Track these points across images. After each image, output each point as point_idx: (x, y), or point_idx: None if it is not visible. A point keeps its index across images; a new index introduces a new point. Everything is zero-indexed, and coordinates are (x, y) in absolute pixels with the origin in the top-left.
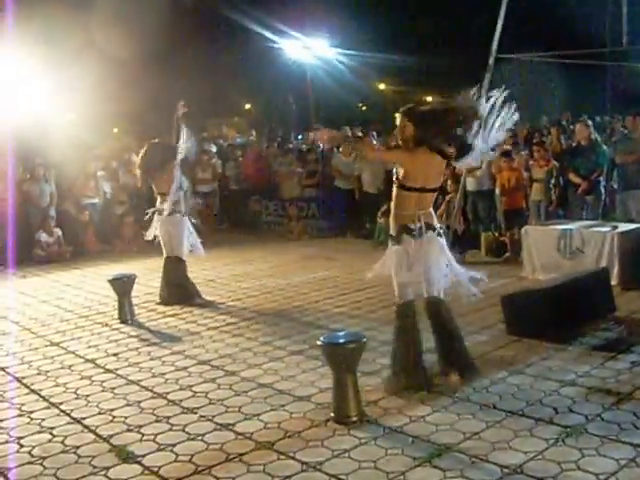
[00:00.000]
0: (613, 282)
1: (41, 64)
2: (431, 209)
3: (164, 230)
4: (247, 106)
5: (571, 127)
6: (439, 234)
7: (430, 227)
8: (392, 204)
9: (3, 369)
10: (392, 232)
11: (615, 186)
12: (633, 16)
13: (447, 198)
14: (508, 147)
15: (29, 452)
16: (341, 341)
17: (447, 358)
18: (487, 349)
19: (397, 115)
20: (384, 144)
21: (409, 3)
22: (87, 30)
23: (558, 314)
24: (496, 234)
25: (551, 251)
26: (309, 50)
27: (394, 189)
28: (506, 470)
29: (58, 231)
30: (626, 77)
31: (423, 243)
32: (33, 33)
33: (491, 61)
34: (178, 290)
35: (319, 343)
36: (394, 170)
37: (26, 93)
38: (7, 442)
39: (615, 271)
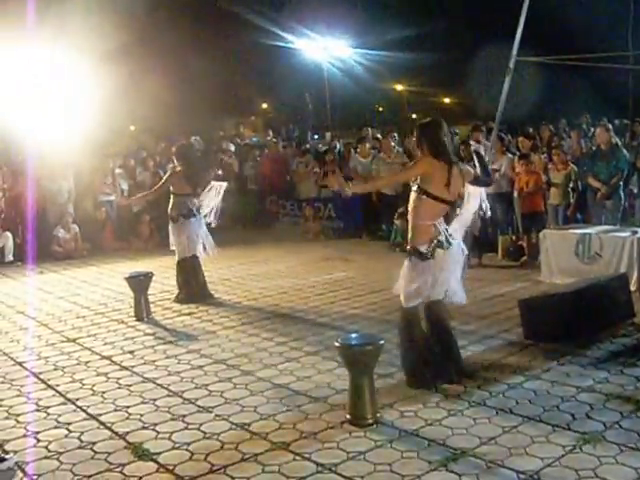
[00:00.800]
0: (632, 288)
1: (58, 63)
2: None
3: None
4: (264, 106)
5: (591, 130)
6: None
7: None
8: (412, 214)
9: (20, 364)
10: (420, 247)
11: (635, 191)
12: None
13: None
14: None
15: (46, 447)
16: (358, 343)
17: (448, 362)
18: (504, 353)
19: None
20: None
21: (429, 3)
22: (104, 29)
23: (576, 319)
24: (513, 237)
25: (569, 255)
26: (326, 50)
27: (417, 198)
28: (522, 476)
29: (75, 228)
30: None
31: (447, 254)
32: (50, 32)
33: (511, 64)
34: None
35: (336, 344)
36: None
37: (45, 91)
38: (25, 436)
39: (634, 277)
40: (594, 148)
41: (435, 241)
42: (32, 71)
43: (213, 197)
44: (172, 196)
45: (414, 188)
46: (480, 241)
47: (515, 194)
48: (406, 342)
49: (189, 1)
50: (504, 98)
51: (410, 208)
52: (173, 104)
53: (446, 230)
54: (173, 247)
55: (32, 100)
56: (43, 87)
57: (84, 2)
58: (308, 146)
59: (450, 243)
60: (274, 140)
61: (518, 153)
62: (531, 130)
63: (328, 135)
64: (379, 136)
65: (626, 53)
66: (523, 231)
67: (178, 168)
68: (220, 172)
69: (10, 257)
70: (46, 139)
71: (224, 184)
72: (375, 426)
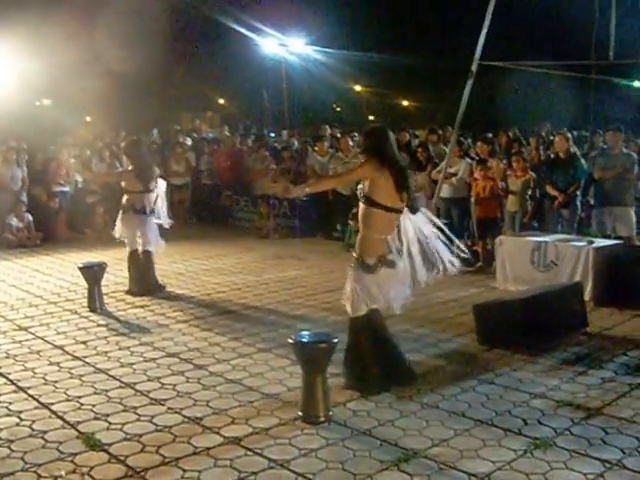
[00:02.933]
0: (586, 298)
1: (17, 48)
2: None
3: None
4: (221, 101)
5: (550, 138)
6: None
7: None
8: (362, 225)
9: None
10: (368, 260)
11: (592, 201)
12: (621, 31)
13: None
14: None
15: None
16: (312, 340)
17: (394, 368)
18: (457, 357)
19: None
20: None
21: (390, 1)
22: (64, 18)
23: (530, 326)
24: (469, 242)
25: (525, 263)
26: (284, 47)
27: (366, 208)
28: (474, 478)
29: (29, 216)
30: (610, 92)
31: (393, 273)
32: (11, 17)
33: (474, 67)
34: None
35: (290, 341)
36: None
37: (1, 75)
38: None
39: (589, 287)
40: (552, 156)
41: (383, 258)
42: None
43: (161, 197)
44: (125, 193)
45: (362, 199)
46: None
47: (472, 199)
48: (354, 350)
49: None
50: (465, 102)
51: (360, 218)
52: (130, 96)
53: (398, 246)
54: (123, 238)
55: None
56: None
57: None
58: (265, 142)
59: (396, 262)
60: (229, 135)
61: (477, 158)
62: (490, 135)
63: (285, 133)
64: (338, 135)
65: (588, 62)
66: (478, 237)
67: (130, 167)
68: (178, 167)
69: None
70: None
71: (164, 182)
72: (327, 424)
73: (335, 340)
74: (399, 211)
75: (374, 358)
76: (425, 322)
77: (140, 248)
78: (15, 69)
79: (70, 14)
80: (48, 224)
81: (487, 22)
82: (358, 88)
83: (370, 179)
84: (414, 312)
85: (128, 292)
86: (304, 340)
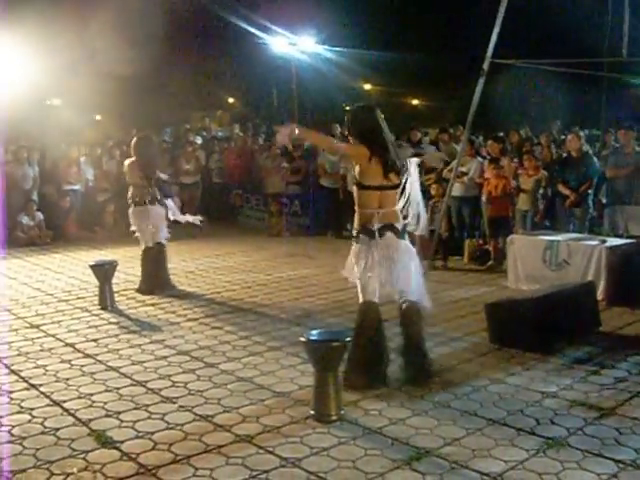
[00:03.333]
0: (599, 297)
1: (27, 48)
2: (395, 208)
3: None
4: (230, 100)
5: (562, 137)
6: (402, 235)
7: (390, 227)
8: (357, 205)
9: None
10: (354, 231)
11: (604, 200)
12: (634, 28)
13: (431, 203)
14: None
15: (9, 431)
16: (324, 339)
17: (414, 365)
18: (469, 356)
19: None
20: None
21: (400, 2)
22: (73, 17)
23: (542, 325)
24: (480, 241)
25: (536, 262)
26: (295, 47)
27: (354, 189)
28: (486, 478)
29: (40, 215)
30: (622, 90)
31: (383, 244)
32: (21, 17)
33: (485, 65)
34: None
35: (302, 340)
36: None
37: (11, 75)
38: None
39: (601, 286)
40: (564, 155)
41: (362, 225)
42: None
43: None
44: (131, 186)
45: (354, 185)
46: (446, 243)
47: (483, 198)
48: (354, 338)
49: None
50: (476, 101)
51: (355, 200)
52: (139, 95)
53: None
54: (137, 233)
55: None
56: (9, 71)
57: None
58: (275, 141)
59: (383, 235)
60: (240, 134)
61: (488, 157)
62: (501, 134)
63: (278, 139)
64: (346, 133)
65: (600, 59)
66: (490, 235)
67: (133, 158)
68: (188, 166)
69: None
70: (11, 123)
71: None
72: (339, 423)
73: (347, 339)
74: (391, 187)
75: (369, 353)
76: (436, 321)
77: (151, 242)
78: (24, 68)
79: (79, 13)
80: (59, 222)
81: (499, 20)
82: (368, 87)
83: (359, 165)
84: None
85: (137, 290)
86: (316, 338)
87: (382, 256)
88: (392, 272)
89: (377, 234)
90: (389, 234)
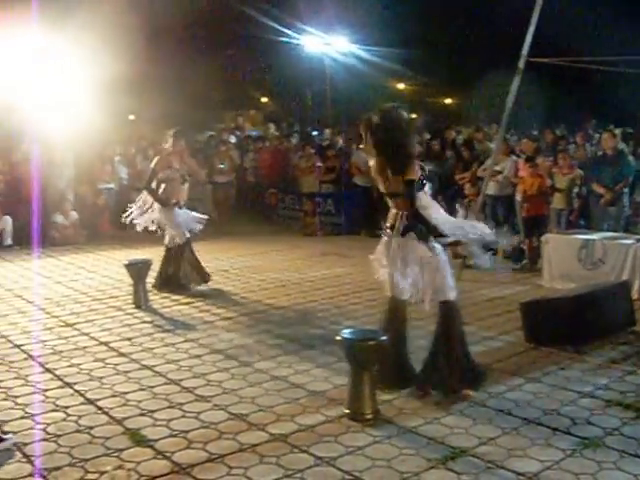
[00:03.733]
0: (634, 296)
1: (62, 48)
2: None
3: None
4: (263, 99)
5: (597, 135)
6: (420, 236)
7: (413, 228)
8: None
9: (19, 347)
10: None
11: (639, 199)
12: None
13: (465, 202)
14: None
15: (44, 429)
16: (360, 337)
17: (445, 369)
18: (504, 355)
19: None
20: None
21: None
22: (108, 17)
23: (577, 324)
24: (514, 240)
25: (571, 260)
26: (328, 46)
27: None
28: (522, 478)
29: (74, 214)
30: None
31: (402, 243)
32: (51, 18)
33: (521, 63)
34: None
35: (338, 339)
36: None
37: (46, 76)
38: (23, 418)
39: (636, 285)
40: (600, 153)
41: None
42: (34, 57)
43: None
44: (162, 183)
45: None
46: None
47: (518, 197)
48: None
49: None
50: (512, 99)
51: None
52: (173, 95)
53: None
54: (166, 232)
55: (34, 86)
56: (44, 73)
57: None
58: (311, 140)
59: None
60: (275, 133)
61: (522, 155)
62: (536, 133)
63: (328, 131)
64: None
65: (636, 57)
66: (525, 234)
67: (166, 153)
68: (222, 165)
69: (9, 241)
70: (48, 124)
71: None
72: (374, 422)
73: (383, 337)
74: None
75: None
76: (471, 320)
77: (182, 240)
78: (61, 68)
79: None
80: (93, 221)
81: (535, 17)
82: (401, 86)
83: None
84: (460, 309)
85: (153, 285)
86: (351, 337)
87: (399, 255)
88: (406, 271)
89: (398, 233)
90: (411, 234)
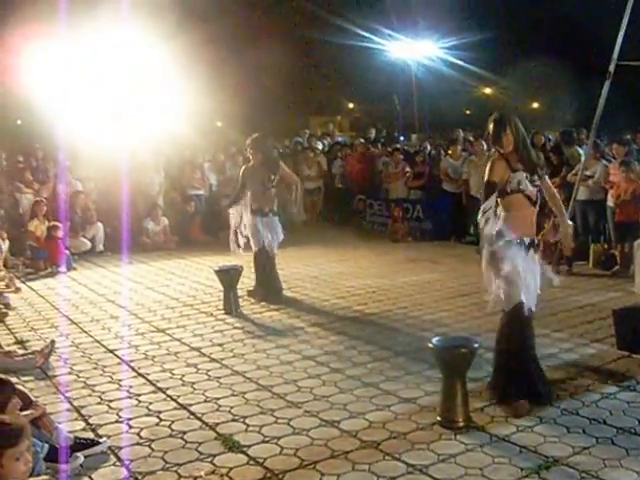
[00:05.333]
0: None
1: (153, 57)
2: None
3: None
4: (350, 106)
5: None
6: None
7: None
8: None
9: (112, 352)
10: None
11: None
12: None
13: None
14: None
15: (138, 434)
16: (453, 345)
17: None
18: (596, 363)
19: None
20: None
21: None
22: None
23: None
24: (605, 246)
25: None
26: (414, 51)
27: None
28: None
29: (165, 220)
30: None
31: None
32: (134, 28)
33: (611, 68)
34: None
35: (431, 346)
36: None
37: (137, 87)
38: (117, 422)
39: None
40: None
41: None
42: (122, 67)
43: None
44: (250, 191)
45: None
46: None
47: (610, 202)
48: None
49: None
50: (602, 104)
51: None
52: (260, 101)
53: None
54: (251, 242)
55: (125, 96)
56: (134, 83)
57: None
58: (398, 146)
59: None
60: (362, 140)
61: (613, 160)
62: (628, 137)
63: (414, 137)
64: (471, 138)
65: None
66: (616, 240)
67: (251, 162)
68: (310, 171)
69: (101, 247)
70: (139, 132)
71: None
72: (466, 430)
73: (475, 345)
74: None
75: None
76: (563, 326)
77: (268, 249)
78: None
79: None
80: (183, 227)
81: (625, 20)
82: (488, 91)
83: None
84: (551, 316)
85: (249, 294)
86: (444, 344)
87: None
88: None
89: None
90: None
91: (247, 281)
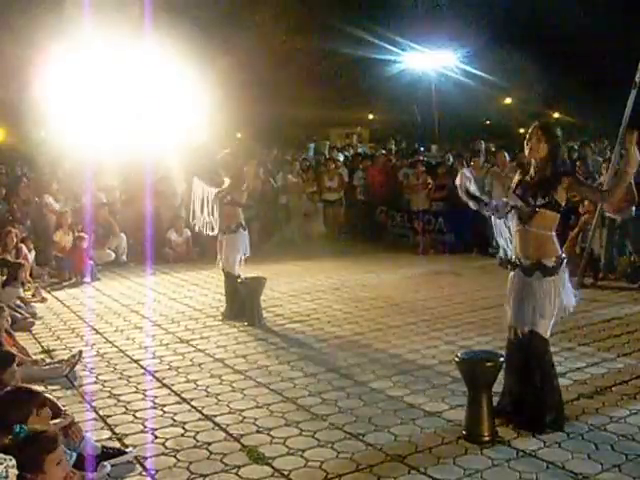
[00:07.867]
0: None
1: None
2: None
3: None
4: (370, 116)
5: None
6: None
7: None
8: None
9: (136, 362)
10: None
11: None
12: None
13: (582, 219)
14: None
15: (163, 444)
16: (479, 358)
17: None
18: (625, 377)
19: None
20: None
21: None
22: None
23: None
24: (632, 258)
25: None
26: (435, 63)
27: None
28: None
29: (187, 231)
30: None
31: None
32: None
33: (638, 77)
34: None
35: (456, 360)
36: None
37: (159, 99)
38: (143, 432)
39: None
40: None
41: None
42: (146, 79)
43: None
44: (229, 207)
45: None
46: (597, 261)
47: (634, 214)
48: (548, 382)
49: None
50: (628, 113)
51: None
52: (279, 113)
53: None
54: (224, 260)
55: (149, 107)
56: (158, 95)
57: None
58: (420, 158)
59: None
60: (383, 151)
61: None
62: None
63: (434, 147)
64: (493, 149)
65: None
66: None
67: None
68: (331, 183)
69: (124, 258)
70: (162, 143)
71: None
72: (492, 444)
73: (501, 359)
74: None
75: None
76: (589, 340)
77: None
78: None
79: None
80: (205, 239)
81: None
82: (508, 101)
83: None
84: (577, 330)
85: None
86: (469, 358)
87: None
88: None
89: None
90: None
91: (269, 292)
